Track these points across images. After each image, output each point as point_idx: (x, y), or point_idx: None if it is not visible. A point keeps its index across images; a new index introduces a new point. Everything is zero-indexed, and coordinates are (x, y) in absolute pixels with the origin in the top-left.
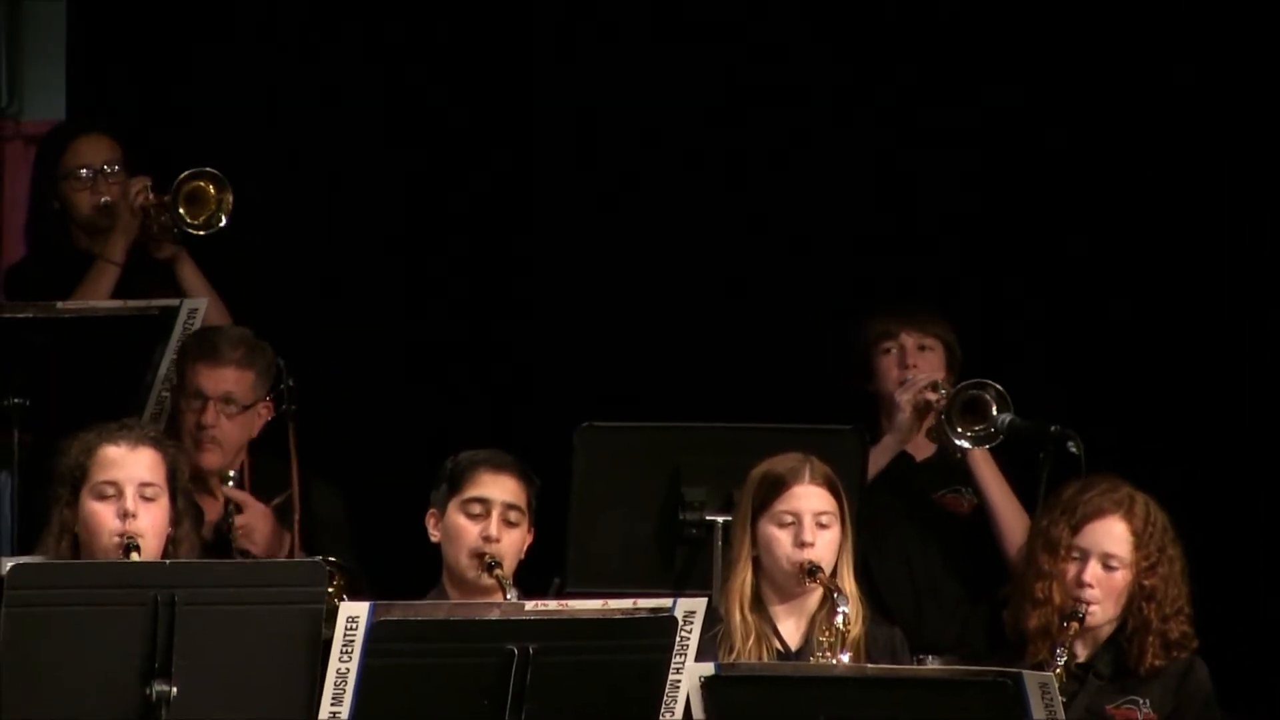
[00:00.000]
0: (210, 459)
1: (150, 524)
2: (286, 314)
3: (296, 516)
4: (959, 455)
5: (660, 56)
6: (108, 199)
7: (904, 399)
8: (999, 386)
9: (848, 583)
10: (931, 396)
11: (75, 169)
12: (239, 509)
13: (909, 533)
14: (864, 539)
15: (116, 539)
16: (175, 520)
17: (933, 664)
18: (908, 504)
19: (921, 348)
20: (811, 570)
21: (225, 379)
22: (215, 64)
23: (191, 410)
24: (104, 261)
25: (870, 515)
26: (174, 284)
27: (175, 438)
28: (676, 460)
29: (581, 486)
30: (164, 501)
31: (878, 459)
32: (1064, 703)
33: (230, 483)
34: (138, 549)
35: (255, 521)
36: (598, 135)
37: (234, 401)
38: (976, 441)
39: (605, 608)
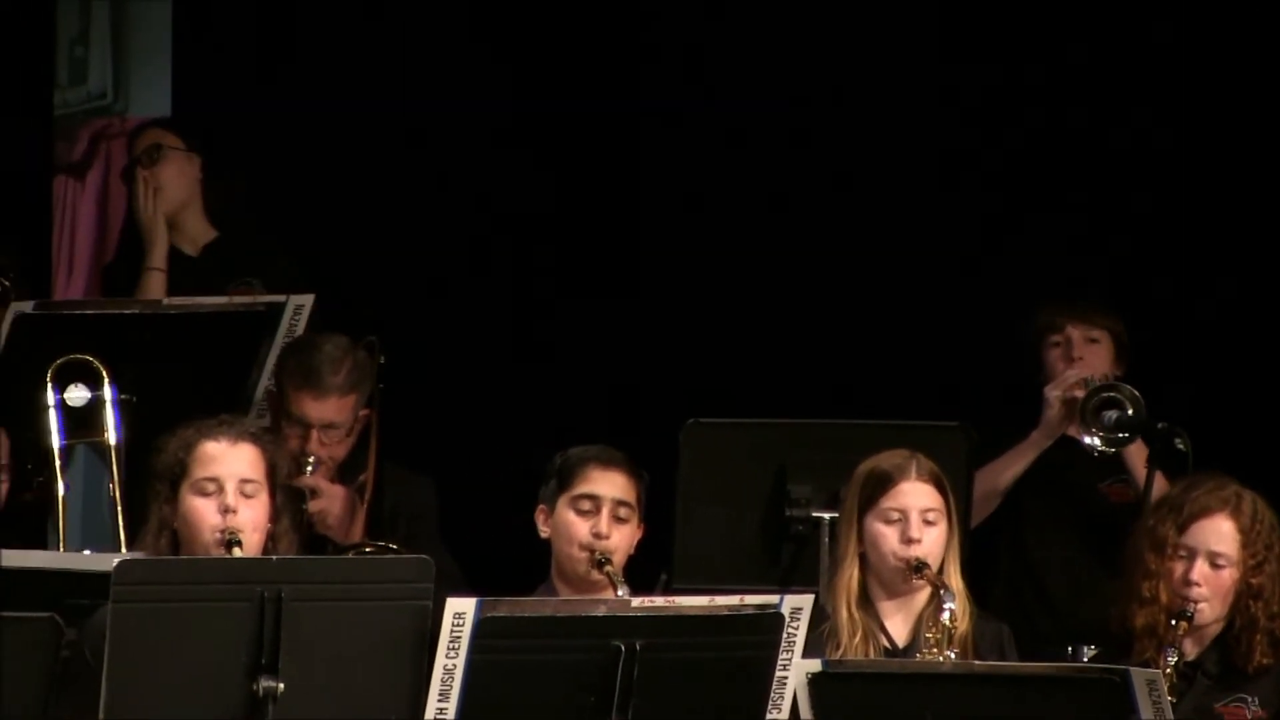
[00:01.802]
0: (308, 480)
1: (250, 520)
2: (393, 309)
3: (367, 499)
4: (1095, 454)
5: (755, 56)
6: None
7: (1053, 395)
8: (1132, 389)
9: (954, 579)
10: (1080, 393)
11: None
12: (313, 494)
13: (1070, 523)
14: (1026, 531)
15: (217, 535)
16: (274, 516)
17: (1088, 654)
18: (1070, 495)
19: (1090, 340)
20: (918, 566)
21: (328, 409)
22: (316, 58)
23: (294, 434)
24: (150, 270)
25: (1033, 507)
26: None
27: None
28: (782, 457)
29: (687, 483)
30: (264, 498)
31: (1026, 453)
32: (1171, 701)
33: (309, 469)
34: (239, 544)
35: (331, 506)
36: (700, 132)
37: (337, 428)
38: (1107, 442)
39: (712, 604)
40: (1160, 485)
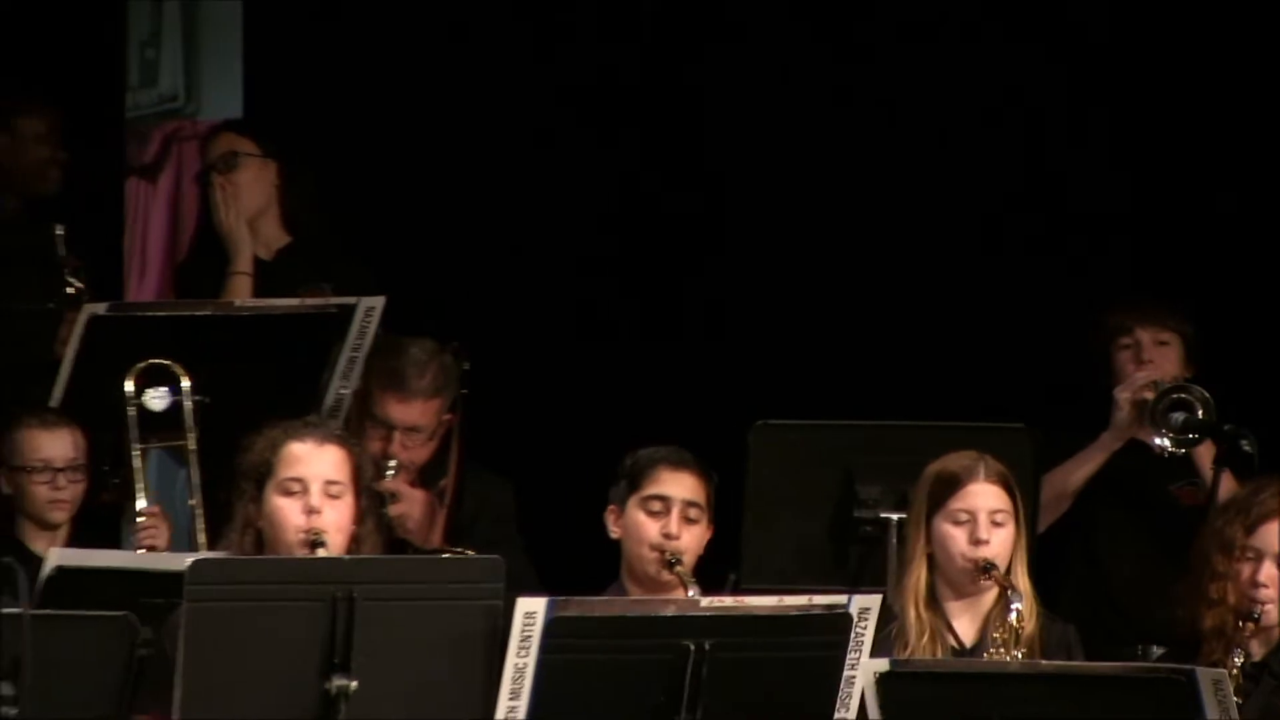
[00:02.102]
0: (389, 484)
1: (335, 521)
2: (466, 311)
3: (448, 503)
4: (1164, 455)
5: (838, 53)
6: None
7: (1122, 397)
8: (1203, 390)
9: (1022, 580)
10: (1149, 395)
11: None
12: (393, 498)
13: (1139, 525)
14: (1100, 532)
15: (301, 535)
16: (359, 519)
17: (1156, 654)
18: (1139, 497)
19: (1159, 343)
20: (986, 567)
21: (412, 413)
22: (389, 61)
23: (377, 437)
24: (235, 274)
25: (1102, 509)
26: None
27: (357, 435)
28: (850, 458)
29: (756, 484)
30: (349, 499)
31: (1095, 456)
32: (1237, 702)
33: (390, 474)
34: (323, 545)
35: (411, 510)
36: (775, 133)
37: (421, 431)
38: (1176, 444)
39: (780, 604)
40: (1228, 487)
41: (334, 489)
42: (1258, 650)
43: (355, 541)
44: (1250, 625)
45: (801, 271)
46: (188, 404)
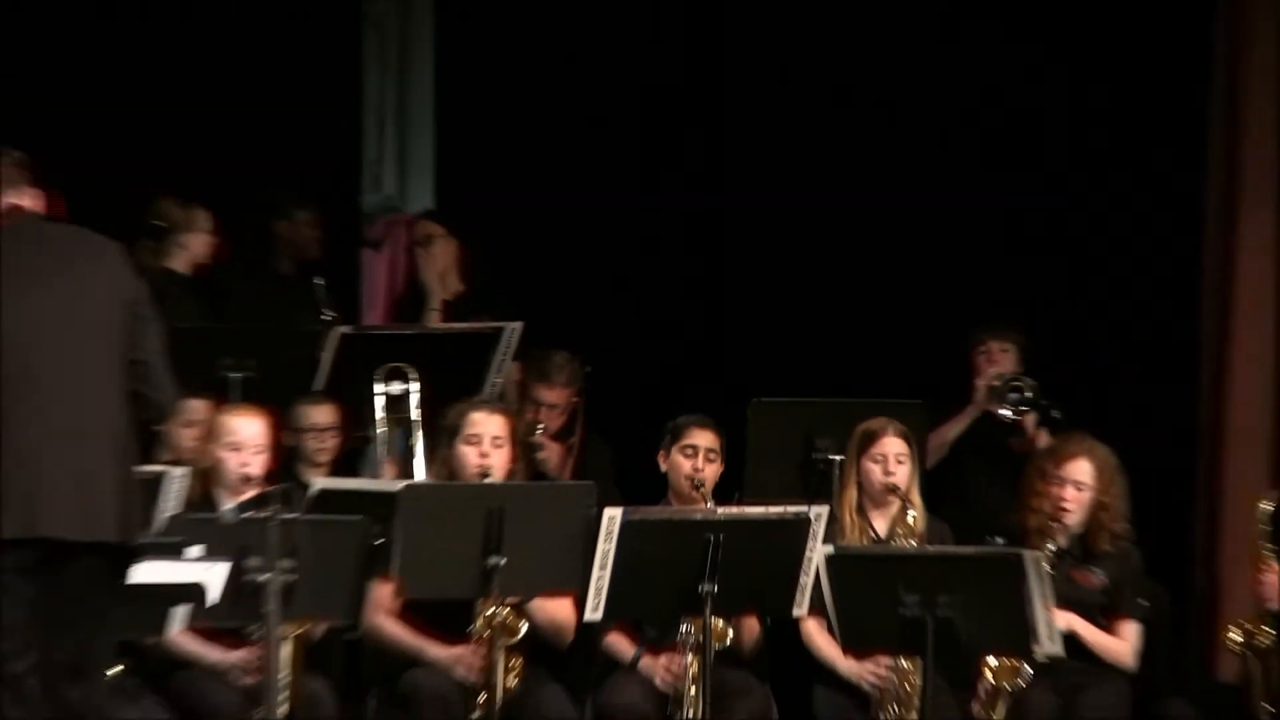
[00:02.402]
0: (537, 439)
1: (498, 462)
2: (583, 320)
3: (574, 455)
4: (1005, 421)
5: (862, 34)
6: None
7: (979, 384)
8: (1030, 379)
9: (915, 497)
10: (996, 383)
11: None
12: (540, 449)
13: (990, 464)
14: (965, 468)
15: (476, 470)
16: (513, 461)
17: (999, 543)
18: (989, 447)
19: (1003, 350)
20: (893, 489)
21: (553, 395)
22: (534, 170)
23: (530, 410)
24: (430, 310)
25: (967, 454)
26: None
27: (516, 409)
28: (810, 422)
29: (753, 438)
30: (508, 449)
31: (962, 420)
32: (1049, 572)
33: (539, 432)
34: (489, 476)
35: (550, 457)
36: (787, 122)
37: (557, 408)
38: (1014, 414)
39: (766, 512)
40: (1043, 440)
41: (498, 441)
42: (1061, 541)
43: (510, 475)
44: (1056, 525)
45: (791, 282)
46: (412, 389)
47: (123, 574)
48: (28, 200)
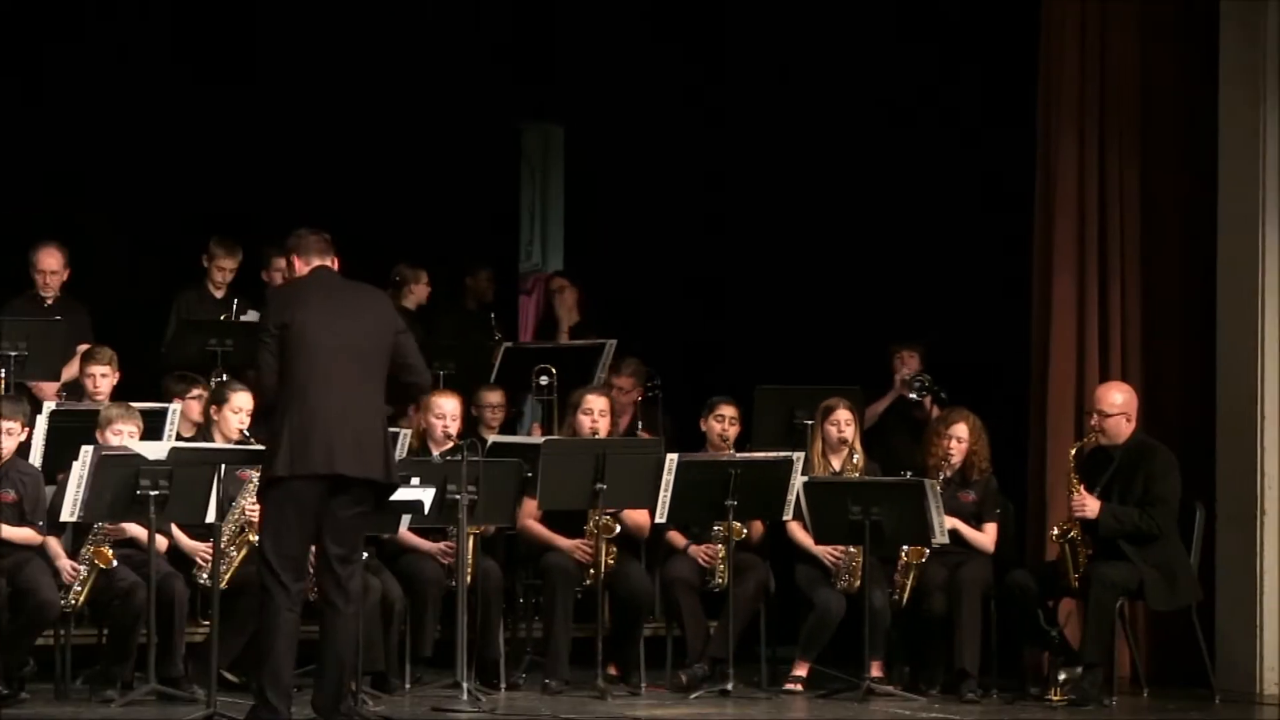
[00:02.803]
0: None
1: (602, 426)
2: (654, 337)
3: (638, 430)
4: (912, 400)
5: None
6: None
7: (897, 377)
8: (928, 374)
9: (858, 447)
10: (907, 375)
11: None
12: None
13: (903, 428)
14: (888, 430)
15: (588, 431)
16: (611, 427)
17: (909, 476)
18: (905, 418)
19: (910, 354)
20: (844, 442)
21: (623, 381)
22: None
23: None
24: (561, 333)
25: (889, 422)
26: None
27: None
28: (794, 400)
29: (758, 410)
30: (608, 418)
31: (885, 401)
32: (941, 494)
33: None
34: (598, 434)
35: (621, 425)
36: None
37: (629, 392)
38: (918, 395)
39: (767, 456)
40: (936, 412)
41: (602, 413)
42: (947, 474)
43: (609, 433)
44: (946, 465)
45: (791, 274)
46: (548, 382)
47: (383, 500)
48: (328, 262)
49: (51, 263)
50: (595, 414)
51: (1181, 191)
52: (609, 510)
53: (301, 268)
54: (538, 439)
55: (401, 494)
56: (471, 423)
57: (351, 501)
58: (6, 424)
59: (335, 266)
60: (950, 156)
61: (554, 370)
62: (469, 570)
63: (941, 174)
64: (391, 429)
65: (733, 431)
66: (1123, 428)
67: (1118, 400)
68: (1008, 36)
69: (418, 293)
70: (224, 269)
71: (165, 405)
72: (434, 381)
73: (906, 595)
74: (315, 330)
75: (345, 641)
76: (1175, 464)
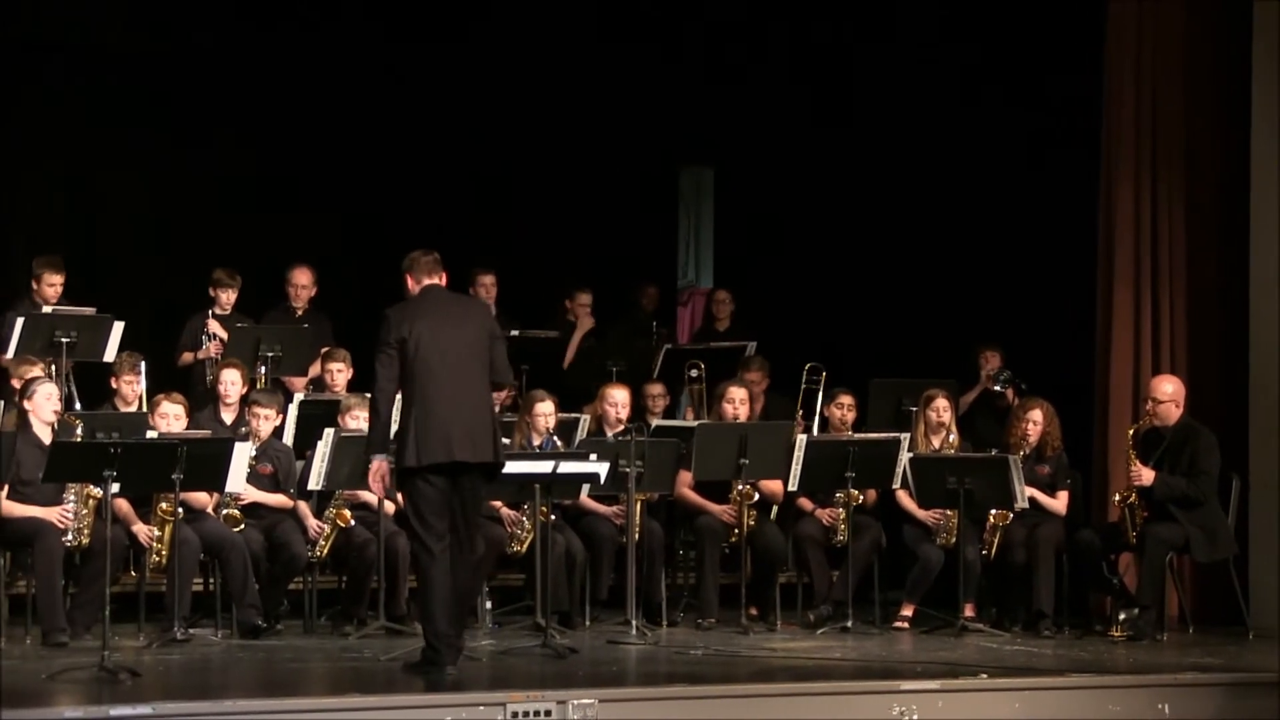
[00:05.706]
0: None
1: (743, 413)
2: (784, 338)
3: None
4: (997, 391)
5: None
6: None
7: (982, 374)
8: (1009, 371)
9: (954, 428)
10: (992, 371)
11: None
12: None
13: (991, 415)
14: (974, 416)
15: (731, 416)
16: (750, 412)
17: (995, 453)
18: (991, 407)
19: (994, 354)
20: (942, 425)
21: (751, 375)
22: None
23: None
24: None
25: (978, 411)
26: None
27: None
28: (901, 391)
29: (873, 400)
30: (748, 405)
31: (974, 392)
32: (1020, 467)
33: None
34: (739, 419)
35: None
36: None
37: (756, 384)
38: (1001, 388)
39: (880, 436)
40: (1016, 401)
41: (743, 401)
42: (1028, 451)
43: (749, 418)
44: (1025, 444)
45: (897, 288)
46: (697, 375)
47: (493, 480)
48: (437, 280)
49: (303, 279)
50: (736, 402)
51: (1219, 216)
52: (749, 480)
53: (414, 286)
54: (692, 423)
55: (581, 466)
56: (639, 410)
57: (470, 481)
58: (264, 411)
59: (444, 283)
60: (1023, 185)
61: (703, 366)
62: (636, 529)
63: (1020, 201)
64: (573, 414)
65: (851, 416)
66: (1172, 412)
67: (1168, 390)
68: (1072, 80)
69: (581, 312)
70: (54, 284)
71: None
72: (607, 376)
73: (994, 550)
74: (428, 342)
75: (467, 583)
76: (1215, 443)
